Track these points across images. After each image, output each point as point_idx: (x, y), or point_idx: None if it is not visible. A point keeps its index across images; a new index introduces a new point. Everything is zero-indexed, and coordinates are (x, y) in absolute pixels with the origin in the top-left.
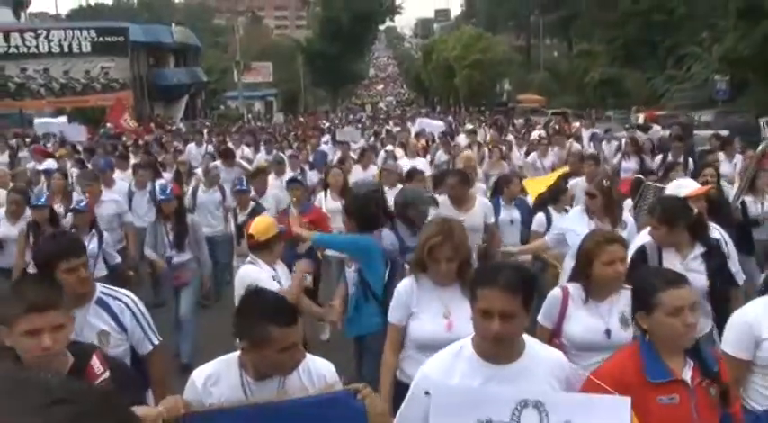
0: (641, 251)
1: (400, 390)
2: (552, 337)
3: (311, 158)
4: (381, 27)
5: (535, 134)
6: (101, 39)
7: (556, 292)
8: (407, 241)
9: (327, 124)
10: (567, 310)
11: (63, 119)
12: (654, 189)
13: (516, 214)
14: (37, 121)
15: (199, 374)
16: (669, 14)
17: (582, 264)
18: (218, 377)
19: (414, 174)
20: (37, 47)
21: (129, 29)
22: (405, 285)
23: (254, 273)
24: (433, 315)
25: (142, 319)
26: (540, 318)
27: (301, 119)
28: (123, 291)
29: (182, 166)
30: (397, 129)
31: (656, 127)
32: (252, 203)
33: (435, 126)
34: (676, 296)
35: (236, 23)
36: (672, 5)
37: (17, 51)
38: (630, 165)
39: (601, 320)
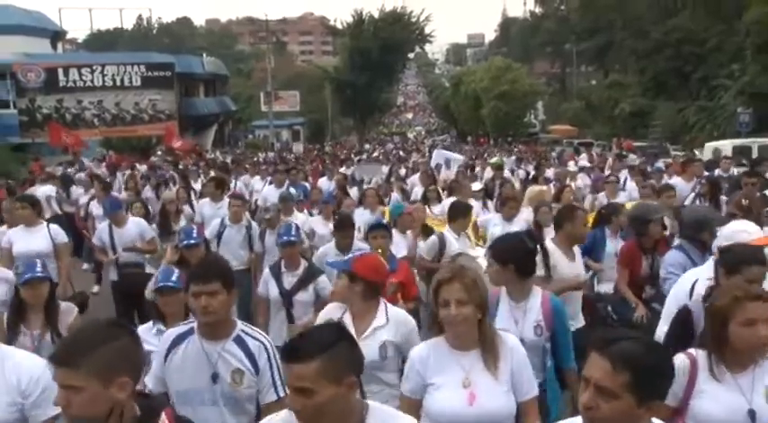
0: (686, 313)
1: None
2: (674, 415)
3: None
4: (411, 55)
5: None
6: (149, 73)
7: (681, 360)
8: (698, 261)
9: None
10: (696, 382)
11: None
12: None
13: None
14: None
15: None
16: (700, 45)
17: (715, 324)
18: None
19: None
20: (92, 81)
21: (175, 64)
22: (419, 350)
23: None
24: (452, 386)
25: (275, 364)
26: None
27: (327, 149)
28: (262, 332)
29: (170, 205)
30: (423, 160)
31: (632, 156)
32: (303, 262)
33: (454, 158)
34: None
35: (269, 53)
36: (704, 36)
37: (75, 85)
38: None
39: (742, 397)
